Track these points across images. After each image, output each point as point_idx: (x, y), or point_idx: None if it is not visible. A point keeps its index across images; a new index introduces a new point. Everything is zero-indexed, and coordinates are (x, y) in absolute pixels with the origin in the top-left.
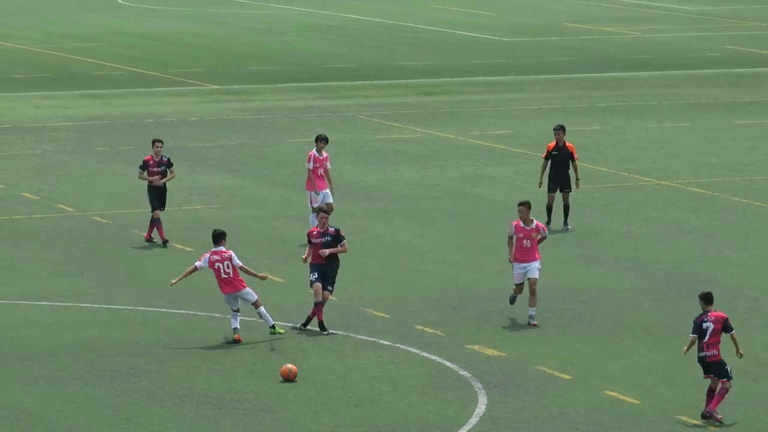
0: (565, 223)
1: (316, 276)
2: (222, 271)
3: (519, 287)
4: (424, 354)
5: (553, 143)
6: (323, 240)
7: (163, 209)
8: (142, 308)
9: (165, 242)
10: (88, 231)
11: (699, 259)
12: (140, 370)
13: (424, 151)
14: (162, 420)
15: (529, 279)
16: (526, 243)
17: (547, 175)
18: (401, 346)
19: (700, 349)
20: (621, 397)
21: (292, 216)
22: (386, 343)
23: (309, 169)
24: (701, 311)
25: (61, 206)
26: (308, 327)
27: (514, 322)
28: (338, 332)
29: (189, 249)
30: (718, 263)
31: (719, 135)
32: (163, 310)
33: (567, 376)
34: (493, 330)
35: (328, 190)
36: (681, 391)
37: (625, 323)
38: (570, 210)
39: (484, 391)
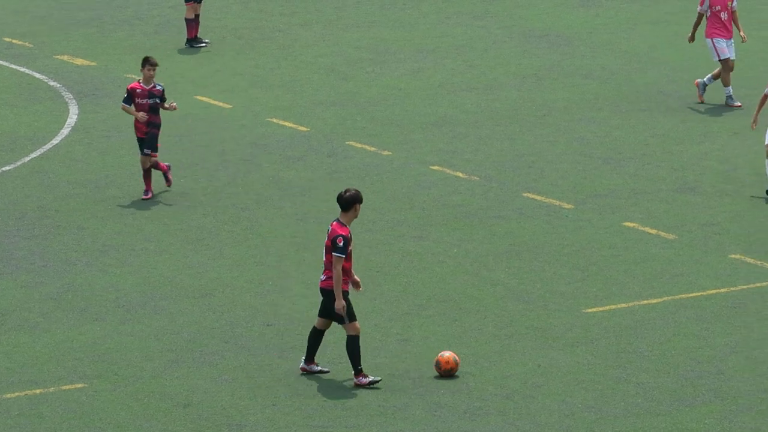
0: None
1: None
2: None
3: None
4: (13, 66)
5: None
6: None
7: None
8: None
9: None
10: None
11: None
12: None
13: None
14: None
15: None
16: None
17: None
18: None
19: None
20: (212, 101)
21: None
22: None
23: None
24: None
25: None
26: None
27: (102, 28)
28: None
29: None
30: None
31: None
32: None
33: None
34: (81, 39)
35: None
36: (274, 93)
37: (215, 27)
38: None
39: (75, 101)
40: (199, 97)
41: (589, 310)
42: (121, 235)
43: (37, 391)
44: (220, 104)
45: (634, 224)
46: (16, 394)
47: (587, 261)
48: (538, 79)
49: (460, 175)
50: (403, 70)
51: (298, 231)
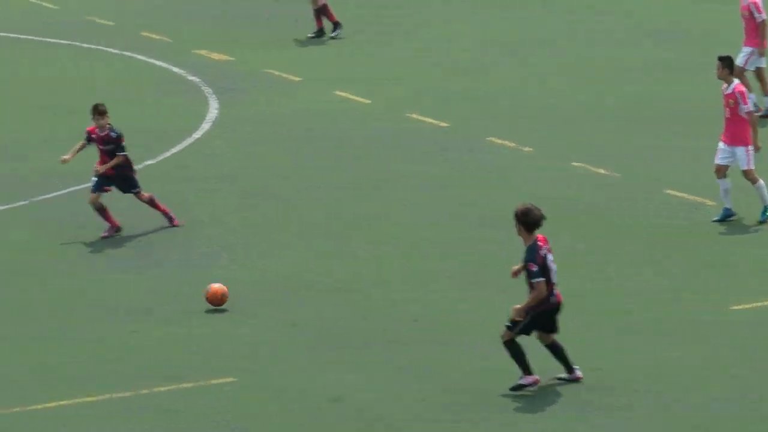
0: None
1: None
2: None
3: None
4: (152, 60)
5: None
6: None
7: None
8: None
9: None
10: None
11: None
12: None
13: None
14: None
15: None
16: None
17: None
18: (129, 54)
19: None
20: (351, 96)
21: None
22: (114, 51)
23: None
24: None
25: None
26: None
27: (236, 22)
28: (60, 41)
29: None
30: None
31: None
32: None
33: (297, 78)
34: (219, 33)
35: None
36: (408, 89)
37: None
38: None
39: (214, 96)
40: (339, 93)
41: None
42: None
43: None
44: (360, 99)
45: None
46: None
47: None
48: None
49: None
50: None
51: None
